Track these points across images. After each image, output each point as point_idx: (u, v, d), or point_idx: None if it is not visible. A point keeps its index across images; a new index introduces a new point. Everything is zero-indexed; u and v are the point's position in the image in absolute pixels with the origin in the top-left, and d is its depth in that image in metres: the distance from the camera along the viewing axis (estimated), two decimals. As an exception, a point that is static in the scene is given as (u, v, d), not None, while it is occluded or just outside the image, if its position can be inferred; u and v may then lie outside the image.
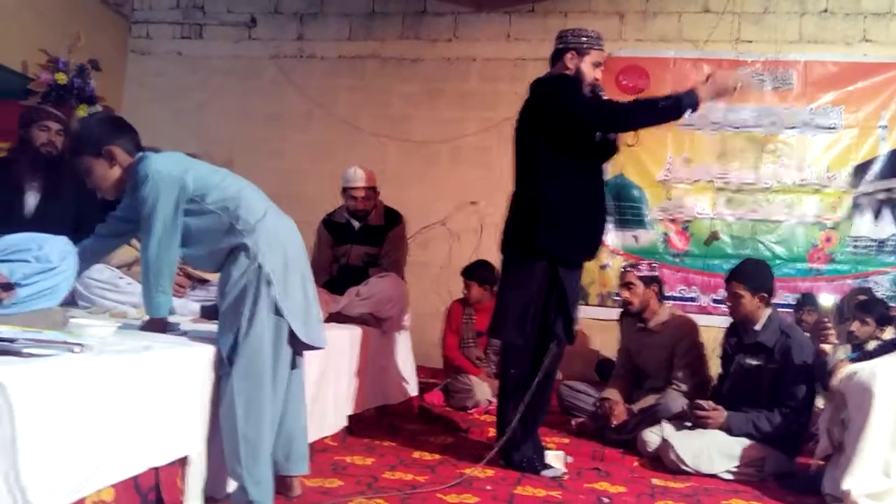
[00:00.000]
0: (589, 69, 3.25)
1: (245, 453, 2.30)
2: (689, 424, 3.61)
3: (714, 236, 5.60)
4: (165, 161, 2.45)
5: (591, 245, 3.37)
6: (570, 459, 3.40)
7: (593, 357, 5.53)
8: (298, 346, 2.53)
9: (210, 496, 2.39)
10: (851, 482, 2.77)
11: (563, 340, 3.29)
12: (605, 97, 3.28)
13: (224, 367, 2.35)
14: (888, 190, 5.42)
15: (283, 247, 2.46)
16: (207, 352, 2.37)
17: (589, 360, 5.52)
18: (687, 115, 3.05)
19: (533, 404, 3.21)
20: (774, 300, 5.24)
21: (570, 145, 3.19)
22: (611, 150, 3.41)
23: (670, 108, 3.05)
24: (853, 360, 3.23)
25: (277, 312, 2.38)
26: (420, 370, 4.72)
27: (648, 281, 4.17)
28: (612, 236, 5.70)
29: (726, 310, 3.82)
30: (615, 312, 5.40)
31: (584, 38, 3.25)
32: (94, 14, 6.02)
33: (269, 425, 2.39)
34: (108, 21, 6.23)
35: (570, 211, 3.19)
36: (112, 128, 2.52)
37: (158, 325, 2.53)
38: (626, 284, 4.19)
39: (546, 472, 3.18)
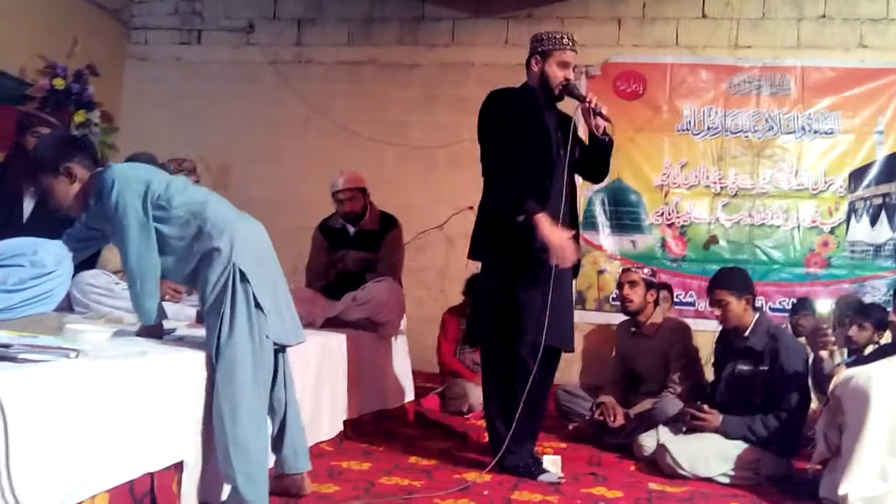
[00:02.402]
0: (554, 70, 3.28)
1: (235, 454, 2.30)
2: (685, 428, 3.61)
3: (713, 240, 5.60)
4: (128, 167, 2.53)
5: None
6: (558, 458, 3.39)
7: (596, 363, 5.51)
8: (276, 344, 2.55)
9: (205, 502, 2.39)
10: (848, 486, 2.77)
11: (522, 352, 3.21)
12: (579, 93, 3.30)
13: (213, 370, 2.36)
14: (885, 195, 5.43)
15: (254, 247, 2.48)
16: (202, 356, 2.37)
17: (589, 366, 5.52)
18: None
19: (524, 412, 3.19)
20: (771, 304, 5.31)
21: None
22: (604, 148, 3.36)
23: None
24: (850, 365, 3.23)
25: (258, 307, 2.39)
26: (416, 375, 4.71)
27: (649, 285, 4.20)
28: (610, 241, 5.71)
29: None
30: (613, 317, 5.43)
31: (546, 40, 3.30)
32: (93, 20, 6.02)
33: (258, 424, 2.39)
34: (106, 27, 6.24)
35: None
36: (67, 145, 2.56)
37: (154, 330, 2.53)
38: (629, 282, 4.20)
39: (543, 477, 3.17)
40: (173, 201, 2.45)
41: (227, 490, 2.38)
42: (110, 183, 2.41)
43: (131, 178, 2.43)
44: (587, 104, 3.26)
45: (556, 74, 3.27)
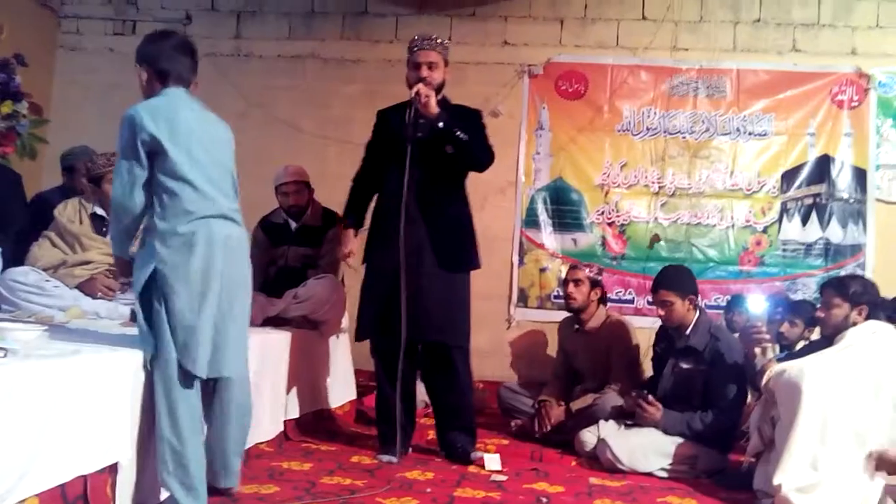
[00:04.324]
0: (411, 74, 3.49)
1: (172, 461, 2.24)
2: (629, 423, 3.67)
3: (655, 239, 5.70)
4: (152, 109, 2.45)
5: (381, 251, 3.51)
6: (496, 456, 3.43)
7: (538, 360, 5.53)
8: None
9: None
10: (782, 477, 2.84)
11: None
12: (419, 91, 3.36)
13: (149, 368, 2.30)
14: (815, 195, 5.60)
15: (195, 254, 2.36)
16: (137, 355, 2.31)
17: (530, 362, 5.54)
18: None
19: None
20: (706, 301, 5.43)
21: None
22: (448, 137, 3.40)
23: None
24: (781, 360, 3.32)
25: (170, 324, 2.31)
26: (358, 374, 4.68)
27: (594, 283, 4.23)
28: (552, 239, 5.75)
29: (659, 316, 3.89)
30: (555, 315, 5.48)
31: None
32: (20, 7, 5.79)
33: (194, 431, 2.32)
34: (35, 15, 6.01)
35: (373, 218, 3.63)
36: (161, 50, 2.69)
37: (123, 265, 2.54)
38: (574, 280, 4.24)
39: (380, 456, 3.40)
40: (164, 162, 2.38)
41: (164, 494, 2.32)
42: (126, 117, 2.41)
43: (136, 124, 2.38)
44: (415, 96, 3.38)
45: (411, 76, 3.47)
